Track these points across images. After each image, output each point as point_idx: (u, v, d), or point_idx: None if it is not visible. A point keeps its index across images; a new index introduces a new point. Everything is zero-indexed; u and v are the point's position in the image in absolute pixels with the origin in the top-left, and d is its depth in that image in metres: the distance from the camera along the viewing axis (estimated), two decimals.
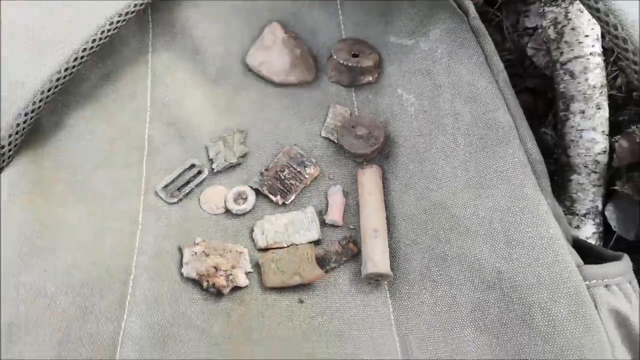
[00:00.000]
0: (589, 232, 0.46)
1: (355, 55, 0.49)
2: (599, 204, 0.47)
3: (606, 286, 0.36)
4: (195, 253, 0.40)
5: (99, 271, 0.38)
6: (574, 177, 0.47)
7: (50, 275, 0.36)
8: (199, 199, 0.44)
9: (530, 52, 0.54)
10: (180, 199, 0.44)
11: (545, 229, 0.37)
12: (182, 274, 0.40)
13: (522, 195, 0.38)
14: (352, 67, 0.48)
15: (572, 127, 0.47)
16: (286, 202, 0.44)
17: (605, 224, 0.47)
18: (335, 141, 0.47)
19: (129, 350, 0.36)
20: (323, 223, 0.44)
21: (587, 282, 0.35)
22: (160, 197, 0.43)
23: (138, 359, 0.35)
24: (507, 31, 0.55)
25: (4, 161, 0.40)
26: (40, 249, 0.37)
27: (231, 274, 0.39)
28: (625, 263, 0.37)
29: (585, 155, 0.46)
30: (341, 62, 0.48)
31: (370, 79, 0.49)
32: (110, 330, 0.36)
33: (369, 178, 0.43)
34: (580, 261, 0.37)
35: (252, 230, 0.43)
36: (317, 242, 0.43)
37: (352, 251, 0.42)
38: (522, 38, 0.55)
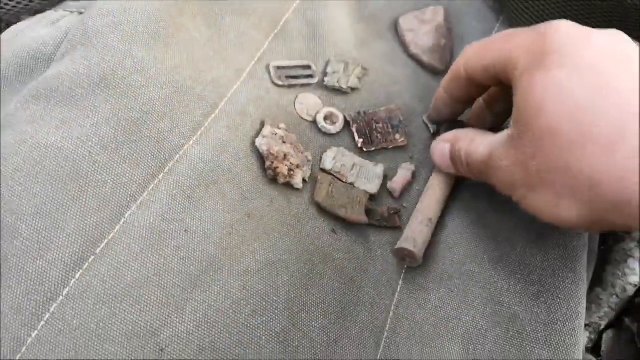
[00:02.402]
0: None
1: None
2: (603, 324, 0.49)
3: None
4: (276, 134, 0.41)
5: (195, 88, 0.38)
6: (597, 289, 0.49)
7: (159, 64, 0.37)
8: (297, 97, 0.45)
9: None
10: (284, 86, 0.44)
11: (575, 304, 0.38)
12: (253, 143, 0.40)
13: (572, 268, 0.40)
14: None
15: (623, 249, 0.49)
16: (363, 149, 0.45)
17: (596, 346, 0.49)
18: (431, 131, 0.48)
19: (182, 170, 0.36)
20: (383, 186, 0.45)
21: None
22: (269, 73, 0.44)
23: (185, 181, 0.36)
24: None
25: None
26: (160, 37, 0.38)
27: (293, 171, 0.40)
28: None
29: (619, 278, 0.48)
30: None
31: None
32: (173, 144, 0.36)
33: (449, 174, 0.45)
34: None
35: (323, 150, 0.44)
36: (370, 197, 0.44)
37: (394, 223, 0.43)
38: None
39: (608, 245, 0.51)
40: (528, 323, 0.38)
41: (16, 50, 0.36)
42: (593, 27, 0.32)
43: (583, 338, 0.38)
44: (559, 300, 0.38)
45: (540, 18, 0.52)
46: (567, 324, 0.37)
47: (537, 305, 0.38)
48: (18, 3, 0.39)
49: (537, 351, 0.37)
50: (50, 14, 0.39)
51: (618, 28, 0.32)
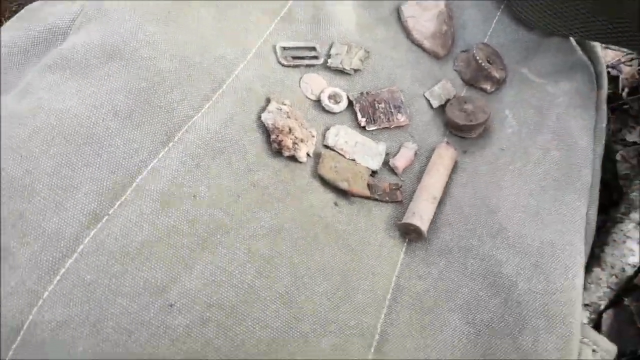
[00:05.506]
0: (583, 321, 0.48)
1: (488, 62, 0.53)
2: (603, 304, 0.49)
3: (593, 350, 0.38)
4: (281, 109, 0.42)
5: (203, 63, 0.40)
6: (596, 269, 0.49)
7: (169, 39, 0.38)
8: (302, 77, 0.46)
9: (618, 157, 0.57)
10: (289, 66, 0.46)
11: (572, 276, 0.39)
12: (259, 117, 0.42)
13: (569, 241, 0.41)
14: (482, 67, 0.51)
15: (621, 230, 0.50)
16: (366, 128, 0.47)
17: (596, 326, 0.50)
18: (434, 106, 0.49)
19: (191, 139, 0.37)
20: (385, 163, 0.46)
21: (581, 338, 0.38)
22: (275, 53, 0.46)
23: (194, 150, 0.37)
24: (609, 130, 0.59)
25: None
26: (170, 14, 0.39)
27: (297, 144, 0.41)
28: (614, 350, 0.39)
29: (618, 259, 0.49)
30: (477, 58, 0.52)
31: (488, 87, 0.52)
32: (183, 115, 0.38)
33: (450, 155, 0.46)
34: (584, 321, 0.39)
35: (327, 128, 0.45)
36: (372, 173, 0.45)
37: (396, 198, 0.44)
38: (614, 143, 0.59)
39: (606, 226, 0.52)
40: (526, 292, 0.39)
41: (34, 25, 0.38)
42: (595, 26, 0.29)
43: (580, 309, 0.39)
44: (556, 271, 0.39)
45: (542, 8, 0.53)
46: (564, 294, 0.38)
47: (535, 276, 0.39)
48: None
49: (534, 320, 0.38)
50: None
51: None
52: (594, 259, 0.51)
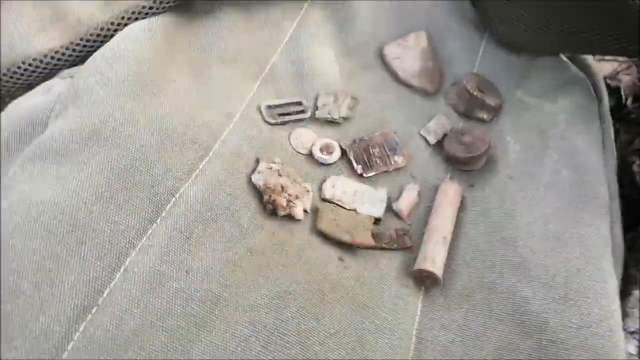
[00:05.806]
0: (631, 350, 0.44)
1: (480, 91, 0.51)
2: None
3: None
4: (271, 168, 0.41)
5: (186, 133, 0.39)
6: (636, 292, 0.45)
7: (148, 114, 0.38)
8: (290, 133, 0.45)
9: (635, 168, 0.54)
10: (277, 123, 0.45)
11: (608, 303, 0.36)
12: (249, 180, 0.40)
13: (597, 265, 0.37)
14: (475, 97, 0.50)
15: None
16: (364, 175, 0.45)
17: None
18: (431, 143, 0.48)
19: (179, 212, 0.36)
20: (388, 209, 0.44)
21: None
22: (261, 113, 0.45)
23: (183, 223, 0.35)
24: (619, 143, 0.56)
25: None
26: (147, 89, 0.39)
27: (292, 202, 0.40)
28: None
29: None
30: (468, 88, 0.50)
31: (485, 117, 0.51)
32: (168, 188, 0.37)
33: (455, 191, 0.44)
34: (630, 351, 0.35)
35: (323, 181, 0.44)
36: (376, 221, 0.42)
37: (404, 244, 0.42)
38: (628, 155, 0.56)
39: (638, 244, 0.48)
40: (560, 329, 0.35)
41: (15, 121, 0.38)
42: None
43: (622, 337, 0.35)
44: (588, 300, 0.36)
45: (523, 32, 0.52)
46: (602, 324, 0.35)
47: (566, 309, 0.36)
48: (17, 79, 0.41)
49: (574, 358, 0.34)
50: (45, 83, 0.41)
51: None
52: (630, 281, 0.47)
